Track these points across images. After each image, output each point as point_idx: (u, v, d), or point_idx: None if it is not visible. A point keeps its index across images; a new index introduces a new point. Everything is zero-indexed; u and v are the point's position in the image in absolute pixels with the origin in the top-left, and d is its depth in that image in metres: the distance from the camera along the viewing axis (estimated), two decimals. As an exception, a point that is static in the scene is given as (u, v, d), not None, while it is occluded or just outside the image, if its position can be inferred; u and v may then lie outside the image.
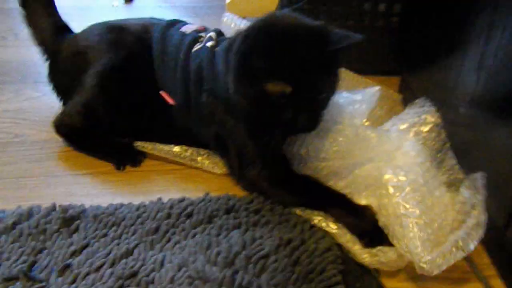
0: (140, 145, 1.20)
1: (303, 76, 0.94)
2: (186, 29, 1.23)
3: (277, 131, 1.02)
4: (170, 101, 1.17)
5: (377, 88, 1.15)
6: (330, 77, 0.99)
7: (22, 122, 1.32)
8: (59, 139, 1.23)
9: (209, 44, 1.14)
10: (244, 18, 1.80)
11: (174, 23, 1.27)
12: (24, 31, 1.35)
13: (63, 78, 1.28)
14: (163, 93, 1.18)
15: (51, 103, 1.33)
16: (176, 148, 1.17)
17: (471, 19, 1.06)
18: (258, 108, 0.99)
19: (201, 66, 1.11)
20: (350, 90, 1.15)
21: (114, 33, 1.23)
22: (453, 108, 1.13)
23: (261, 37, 0.96)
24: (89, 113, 1.19)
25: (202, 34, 1.20)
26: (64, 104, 1.28)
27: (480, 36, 1.01)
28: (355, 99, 1.12)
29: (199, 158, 1.17)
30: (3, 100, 1.41)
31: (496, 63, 0.96)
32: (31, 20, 1.30)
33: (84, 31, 1.28)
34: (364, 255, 0.91)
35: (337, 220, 0.98)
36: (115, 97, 1.19)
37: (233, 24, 1.43)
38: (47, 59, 1.30)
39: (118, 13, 2.00)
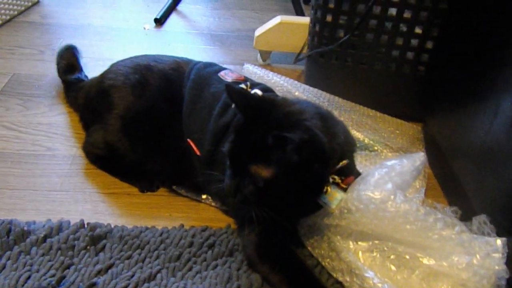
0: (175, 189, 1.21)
1: None
2: (225, 75, 1.20)
3: None
4: (197, 151, 1.14)
5: (421, 154, 1.08)
6: None
7: (54, 136, 1.37)
8: (87, 156, 1.28)
9: None
10: (265, 61, 1.86)
11: (211, 66, 1.25)
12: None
13: (85, 111, 1.32)
14: (190, 142, 1.15)
15: (82, 120, 1.36)
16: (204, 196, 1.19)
17: (501, 75, 1.05)
18: None
19: None
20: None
21: (139, 74, 1.22)
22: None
23: None
24: (112, 149, 1.22)
25: (243, 85, 1.15)
26: (84, 128, 1.33)
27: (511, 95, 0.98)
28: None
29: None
30: (38, 113, 1.45)
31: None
32: None
33: (111, 68, 1.29)
34: None
35: None
36: (137, 140, 1.20)
37: (254, 73, 1.44)
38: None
39: (148, 36, 2.05)
